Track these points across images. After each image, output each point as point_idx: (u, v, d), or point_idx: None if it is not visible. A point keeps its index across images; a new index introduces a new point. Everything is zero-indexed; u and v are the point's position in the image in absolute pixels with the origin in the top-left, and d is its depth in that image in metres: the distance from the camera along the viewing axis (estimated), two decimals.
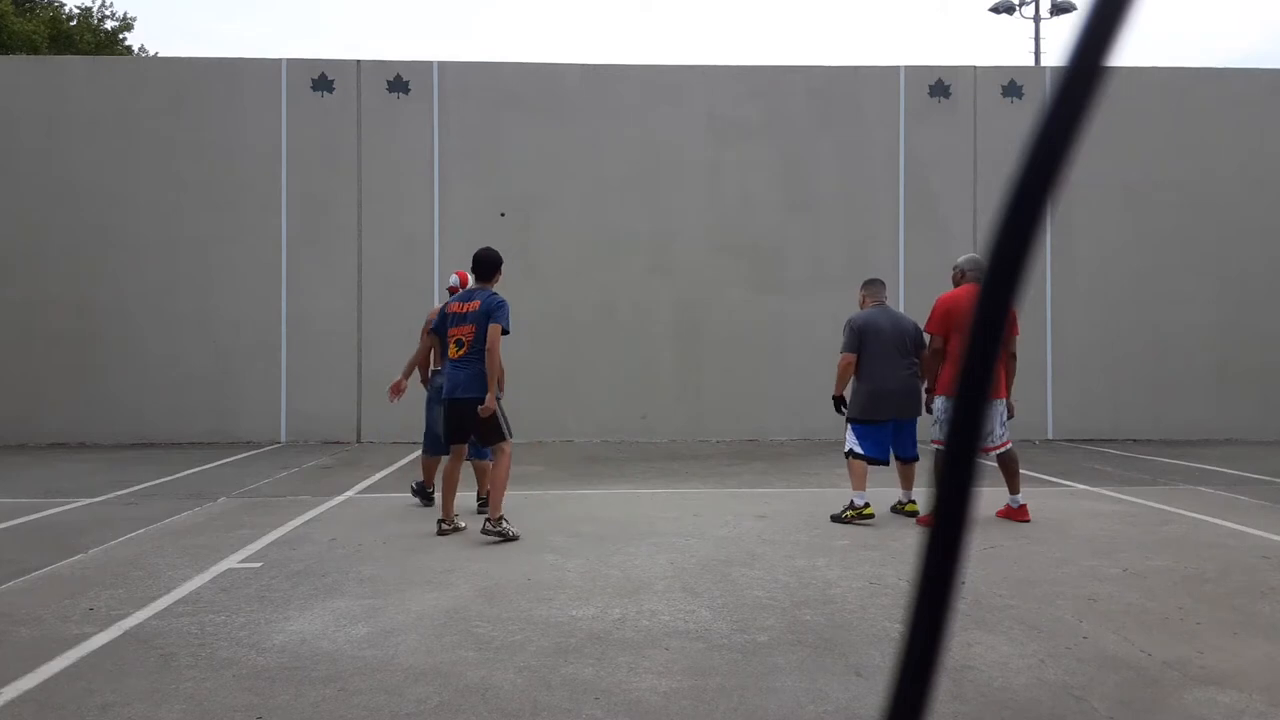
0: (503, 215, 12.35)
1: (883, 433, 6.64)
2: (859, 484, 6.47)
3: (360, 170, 12.42)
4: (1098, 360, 12.67)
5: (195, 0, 59.38)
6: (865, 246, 12.77)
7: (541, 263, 12.45)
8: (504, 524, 5.86)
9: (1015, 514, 6.58)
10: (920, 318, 6.84)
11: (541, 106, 12.59)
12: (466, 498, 6.97)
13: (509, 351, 12.26)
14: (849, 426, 6.67)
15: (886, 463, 6.61)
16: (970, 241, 12.62)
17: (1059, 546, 5.70)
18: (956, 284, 6.90)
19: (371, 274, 12.40)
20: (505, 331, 5.96)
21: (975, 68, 12.99)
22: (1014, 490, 6.63)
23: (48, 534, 6.24)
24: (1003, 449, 6.56)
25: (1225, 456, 10.45)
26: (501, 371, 6.33)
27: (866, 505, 6.40)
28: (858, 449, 6.58)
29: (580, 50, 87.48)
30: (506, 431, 6.01)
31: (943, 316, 6.48)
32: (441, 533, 6.08)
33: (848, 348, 6.70)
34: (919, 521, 6.63)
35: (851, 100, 12.84)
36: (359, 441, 12.17)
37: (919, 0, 67.33)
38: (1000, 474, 6.60)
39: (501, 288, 6.23)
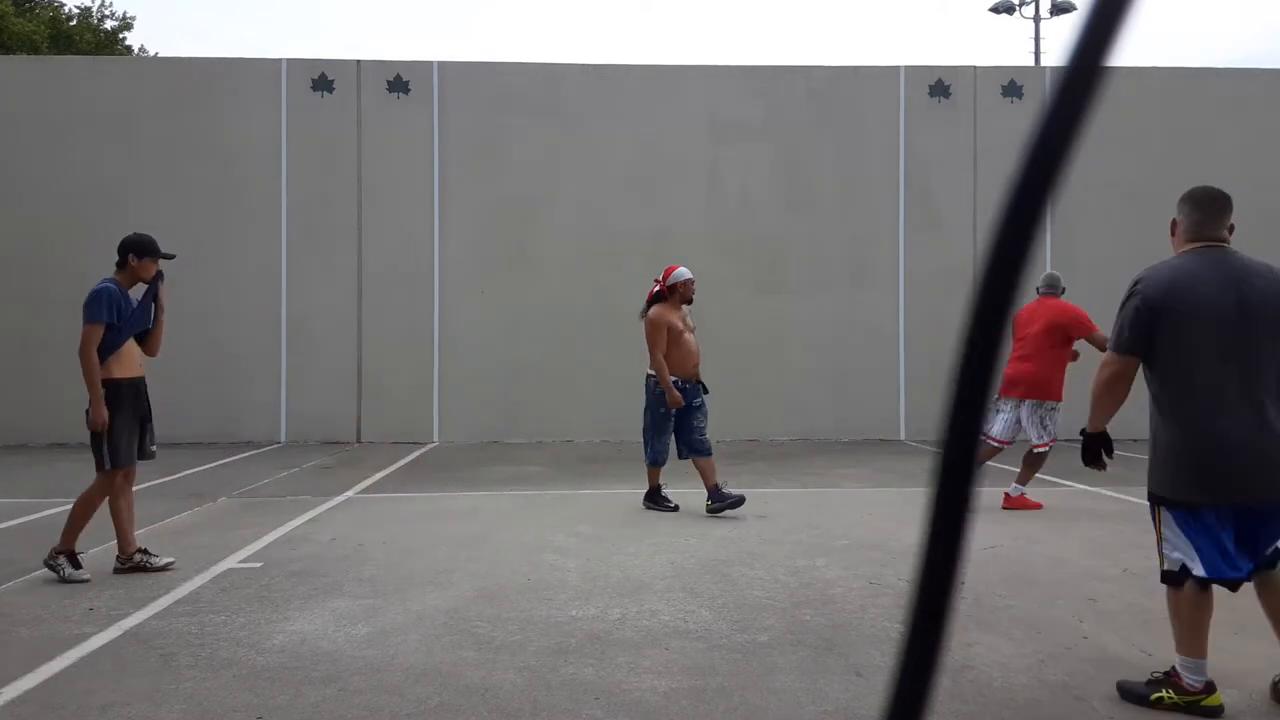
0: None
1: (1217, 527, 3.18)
2: (1192, 638, 3.18)
3: (360, 170, 12.42)
4: (1098, 360, 12.63)
5: (195, 0, 59.39)
6: (865, 246, 12.77)
7: (542, 262, 12.45)
8: (59, 560, 4.95)
9: (1019, 503, 6.85)
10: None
11: (541, 106, 12.59)
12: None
13: (510, 349, 12.33)
14: (1159, 511, 3.29)
15: (1236, 585, 3.16)
16: (970, 241, 12.62)
17: (1059, 546, 5.70)
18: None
19: (371, 274, 12.40)
20: (106, 324, 5.04)
21: (975, 68, 12.99)
22: (1023, 482, 6.91)
23: (48, 534, 6.22)
24: (1044, 448, 6.86)
25: None
26: (141, 380, 5.40)
27: (1207, 689, 3.15)
28: (1185, 560, 3.17)
29: (580, 50, 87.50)
30: (105, 459, 5.03)
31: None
32: (118, 570, 5.14)
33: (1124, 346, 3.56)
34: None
35: (851, 100, 12.84)
36: (359, 441, 12.16)
37: (919, 0, 67.34)
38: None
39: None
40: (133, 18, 26.56)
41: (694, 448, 6.80)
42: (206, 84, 12.39)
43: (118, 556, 5.20)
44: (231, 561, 5.34)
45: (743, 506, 6.66)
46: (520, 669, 3.55)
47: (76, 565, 5.00)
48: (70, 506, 5.17)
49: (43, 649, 3.79)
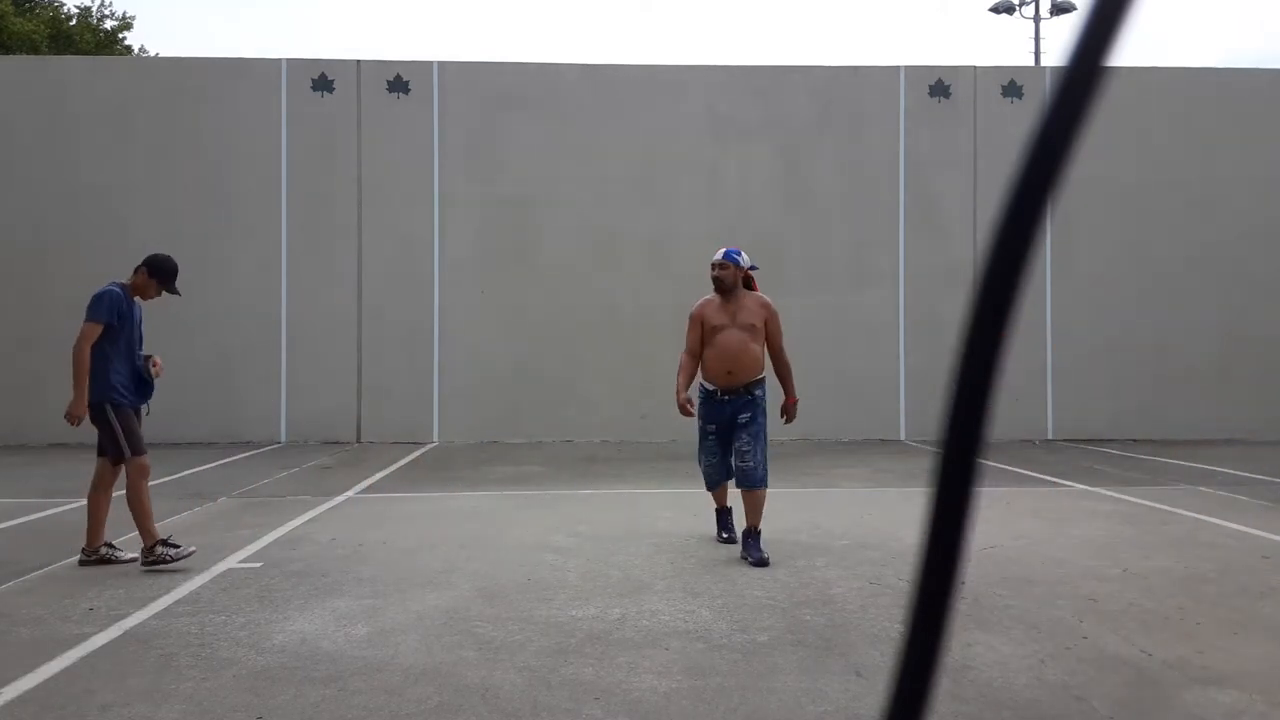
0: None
1: None
2: None
3: (360, 170, 12.42)
4: (1098, 360, 12.67)
5: (195, 0, 59.37)
6: (865, 246, 12.77)
7: (541, 263, 12.45)
8: (159, 549, 5.12)
9: None
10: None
11: (541, 106, 12.59)
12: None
13: (510, 349, 12.33)
14: None
15: None
16: (970, 241, 12.62)
17: (1059, 546, 5.69)
18: None
19: (371, 274, 12.40)
20: (105, 325, 5.20)
21: (975, 68, 12.99)
22: None
23: (48, 534, 6.24)
24: None
25: (1225, 456, 10.45)
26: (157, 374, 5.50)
27: None
28: None
29: (580, 50, 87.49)
30: (125, 449, 5.22)
31: None
32: (82, 563, 5.28)
33: None
34: None
35: (851, 100, 12.84)
36: (359, 441, 12.16)
37: (919, 0, 67.33)
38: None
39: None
40: (133, 18, 26.58)
41: (736, 475, 5.55)
42: (206, 84, 12.39)
43: (83, 548, 5.32)
44: (231, 561, 5.34)
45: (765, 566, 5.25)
46: (520, 669, 3.55)
47: (173, 546, 5.17)
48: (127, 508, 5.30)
49: (43, 649, 3.79)
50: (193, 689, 3.35)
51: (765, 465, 5.46)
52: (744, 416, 5.48)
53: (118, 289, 5.36)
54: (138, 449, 5.27)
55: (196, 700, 3.24)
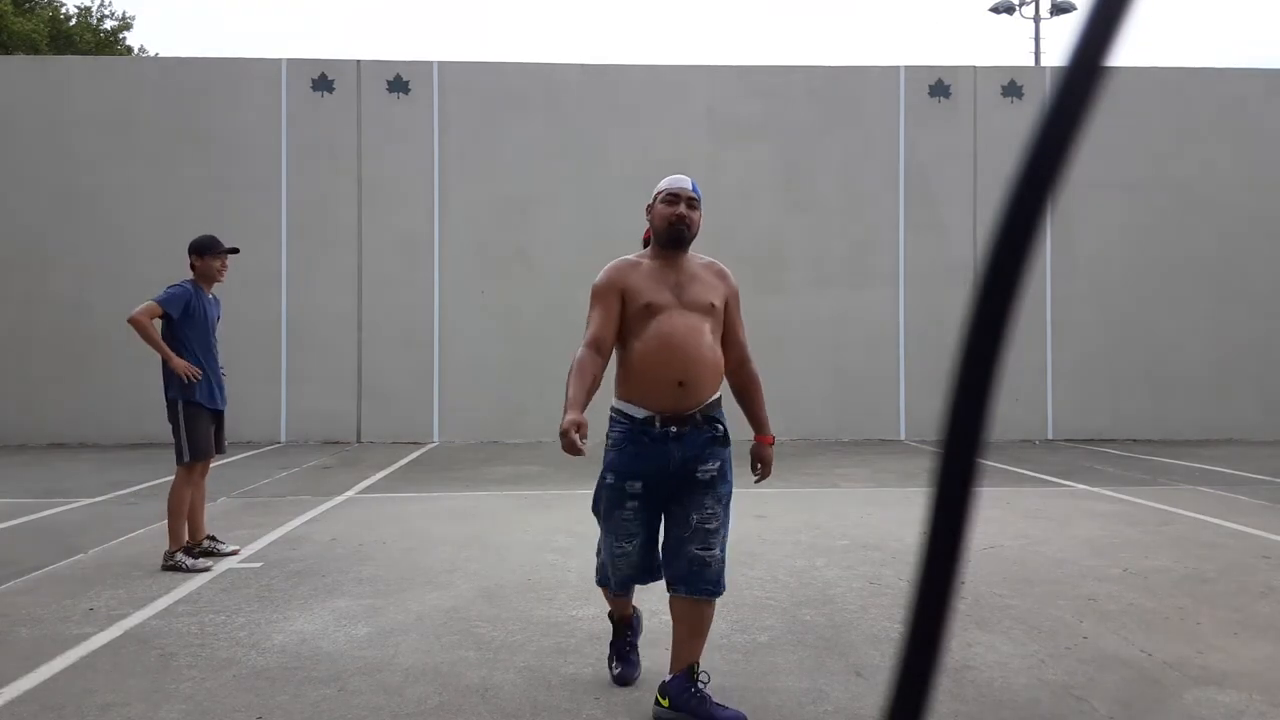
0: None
1: None
2: None
3: (360, 170, 12.42)
4: (1098, 360, 12.67)
5: (195, 0, 59.39)
6: (865, 246, 12.77)
7: (541, 262, 12.45)
8: (177, 556, 5.15)
9: None
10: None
11: (541, 106, 12.59)
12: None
13: (510, 349, 12.33)
14: None
15: None
16: (970, 242, 12.62)
17: (1059, 546, 5.69)
18: None
19: (371, 274, 12.40)
20: (165, 315, 5.41)
21: (975, 68, 12.99)
22: None
23: (48, 534, 6.24)
24: None
25: (1225, 456, 10.45)
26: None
27: None
28: None
29: (580, 50, 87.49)
30: (184, 452, 5.37)
31: None
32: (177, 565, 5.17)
33: None
34: None
35: (851, 100, 12.84)
36: (359, 441, 12.16)
37: (919, 0, 67.36)
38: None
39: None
40: (132, 18, 26.63)
41: (682, 573, 3.12)
42: (206, 84, 12.39)
43: (186, 543, 5.39)
44: (231, 561, 5.34)
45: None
46: (520, 669, 3.55)
47: (195, 556, 5.24)
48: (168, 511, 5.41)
49: (43, 649, 3.79)
50: (193, 689, 3.35)
51: (725, 555, 3.21)
52: (707, 470, 3.17)
53: (187, 285, 5.53)
54: (198, 455, 5.39)
55: (196, 700, 3.24)
